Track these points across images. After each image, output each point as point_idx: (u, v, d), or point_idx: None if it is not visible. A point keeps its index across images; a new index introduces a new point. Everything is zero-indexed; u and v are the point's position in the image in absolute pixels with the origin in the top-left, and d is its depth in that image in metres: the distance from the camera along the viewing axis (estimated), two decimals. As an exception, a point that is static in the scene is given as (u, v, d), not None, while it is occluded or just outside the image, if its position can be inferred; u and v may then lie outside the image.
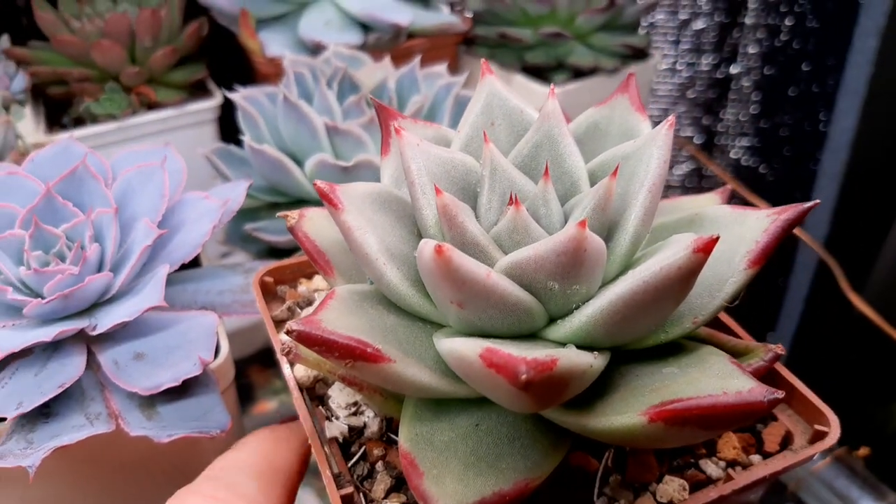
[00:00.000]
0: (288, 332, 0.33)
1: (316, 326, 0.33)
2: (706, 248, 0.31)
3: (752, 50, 1.20)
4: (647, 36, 0.94)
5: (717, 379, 0.33)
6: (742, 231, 0.39)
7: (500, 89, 0.43)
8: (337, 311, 0.36)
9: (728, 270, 0.37)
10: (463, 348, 0.31)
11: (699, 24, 1.19)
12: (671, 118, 0.38)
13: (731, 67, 1.22)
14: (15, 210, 0.52)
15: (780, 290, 1.28)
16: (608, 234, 0.37)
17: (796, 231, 1.02)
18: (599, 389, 0.36)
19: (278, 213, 0.44)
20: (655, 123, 0.40)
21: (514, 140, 0.43)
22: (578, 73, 0.89)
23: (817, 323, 1.23)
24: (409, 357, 0.35)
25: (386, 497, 0.39)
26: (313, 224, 0.44)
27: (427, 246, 0.32)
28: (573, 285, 0.34)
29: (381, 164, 0.44)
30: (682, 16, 1.17)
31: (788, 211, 0.38)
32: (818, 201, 0.39)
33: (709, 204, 0.47)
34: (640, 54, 0.93)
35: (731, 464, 0.41)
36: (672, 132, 0.38)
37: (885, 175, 1.22)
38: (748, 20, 1.18)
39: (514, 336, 0.36)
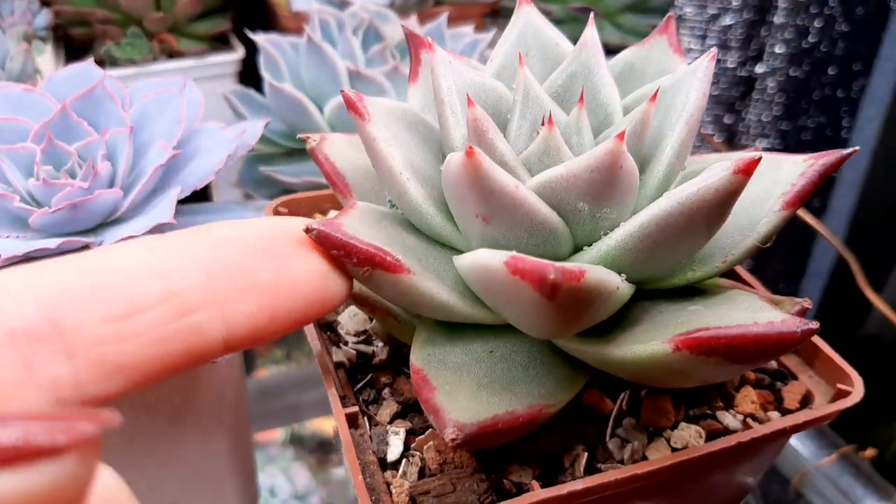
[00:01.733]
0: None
1: (336, 228, 0.32)
2: (747, 170, 0.30)
3: (778, 50, 1.19)
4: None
5: (747, 312, 0.32)
6: (778, 175, 0.38)
7: (536, 20, 0.42)
8: (358, 221, 0.35)
9: (762, 211, 0.36)
10: (486, 256, 0.30)
11: (727, 20, 1.17)
12: (713, 50, 0.37)
13: (756, 66, 1.21)
14: (28, 125, 0.51)
15: (792, 295, 1.26)
16: (641, 166, 0.36)
17: (814, 224, 1.00)
18: (620, 322, 0.35)
19: (299, 135, 0.43)
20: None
21: (547, 72, 0.41)
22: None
23: (834, 321, 1.21)
24: (428, 272, 0.34)
25: (391, 422, 0.37)
26: (334, 146, 0.43)
27: (455, 155, 0.31)
28: (603, 208, 0.33)
29: (408, 91, 0.43)
30: (711, 10, 1.16)
31: (827, 156, 0.37)
32: (857, 148, 0.38)
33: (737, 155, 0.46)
34: (668, 38, 0.92)
35: (749, 418, 0.39)
36: (713, 65, 0.36)
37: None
38: (777, 19, 1.17)
39: (537, 260, 0.35)
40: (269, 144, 0.66)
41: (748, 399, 0.40)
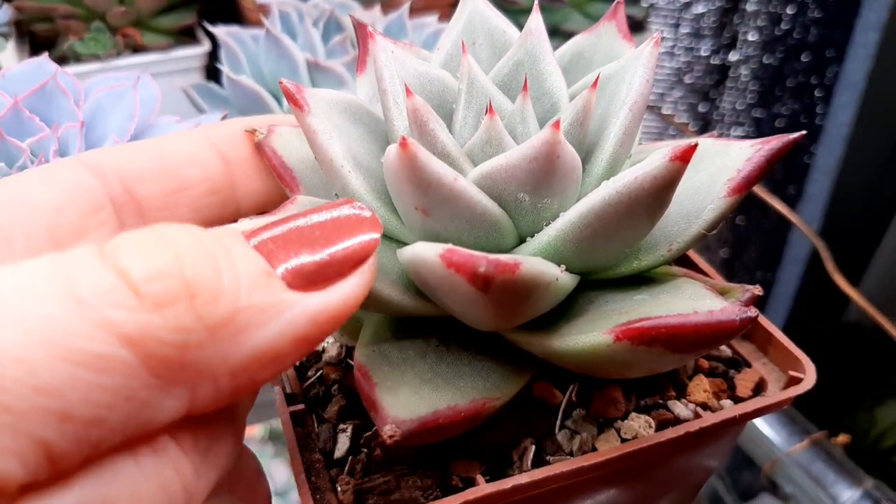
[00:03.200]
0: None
1: (271, 224, 0.32)
2: (684, 157, 0.30)
3: (751, 37, 1.19)
4: (646, 9, 0.93)
5: (690, 301, 0.32)
6: (724, 161, 0.37)
7: (482, 8, 0.42)
8: (295, 216, 0.34)
9: (707, 198, 0.36)
10: (423, 250, 0.30)
11: (700, 8, 1.17)
12: (657, 35, 0.36)
13: (730, 54, 1.21)
14: (-21, 122, 0.50)
15: (769, 283, 1.27)
16: (585, 155, 0.36)
17: (788, 215, 1.01)
18: (565, 313, 0.34)
19: (244, 128, 0.42)
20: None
21: (494, 60, 0.41)
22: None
23: (811, 309, 1.22)
24: (369, 267, 0.33)
25: (339, 419, 0.37)
26: (282, 140, 0.42)
27: (393, 146, 0.31)
28: (544, 198, 0.33)
29: (356, 81, 0.42)
30: (684, -2, 1.16)
31: (772, 141, 0.37)
32: (804, 132, 0.37)
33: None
34: (637, 26, 0.91)
35: (701, 407, 0.39)
36: (657, 51, 0.36)
37: (881, 172, 1.21)
38: (749, 7, 1.17)
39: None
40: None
41: (700, 388, 0.40)
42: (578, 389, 0.38)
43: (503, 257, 0.28)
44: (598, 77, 0.34)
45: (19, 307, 0.19)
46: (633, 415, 0.38)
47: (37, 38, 0.87)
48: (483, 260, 0.27)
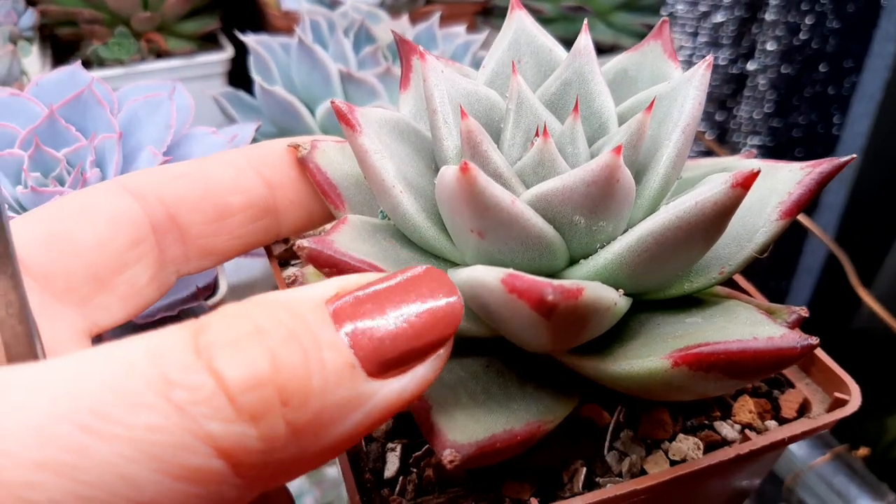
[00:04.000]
0: (298, 250, 0.31)
1: (328, 246, 0.32)
2: (745, 183, 0.30)
3: (770, 47, 1.19)
4: (666, 18, 0.93)
5: (746, 326, 0.32)
6: (774, 183, 0.37)
7: (529, 26, 0.42)
8: (350, 236, 0.34)
9: (758, 221, 0.36)
10: (483, 274, 0.30)
11: (718, 18, 1.17)
12: (709, 58, 0.36)
13: (747, 64, 1.21)
14: (16, 131, 0.51)
15: (783, 292, 1.26)
16: (636, 176, 0.36)
17: (807, 223, 1.00)
18: (618, 336, 0.34)
19: (288, 143, 0.42)
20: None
21: (541, 79, 0.41)
22: (597, 50, 0.87)
23: (825, 317, 1.21)
24: (422, 287, 0.33)
25: (387, 439, 0.37)
26: (325, 156, 0.42)
27: (449, 170, 0.31)
28: (599, 221, 0.33)
29: (399, 100, 0.42)
30: (702, 7, 1.16)
31: (823, 164, 0.37)
32: (854, 156, 0.37)
33: (733, 161, 0.46)
34: (660, 36, 0.91)
35: (747, 427, 0.39)
36: (709, 73, 0.36)
37: (896, 182, 1.21)
38: (768, 16, 1.17)
39: (532, 273, 0.34)
40: (259, 147, 0.65)
41: (745, 408, 0.40)
42: (626, 410, 0.38)
43: (566, 283, 0.28)
44: (653, 100, 0.34)
45: (123, 417, 0.19)
46: (681, 436, 0.37)
47: (60, 41, 0.87)
48: (549, 287, 0.27)
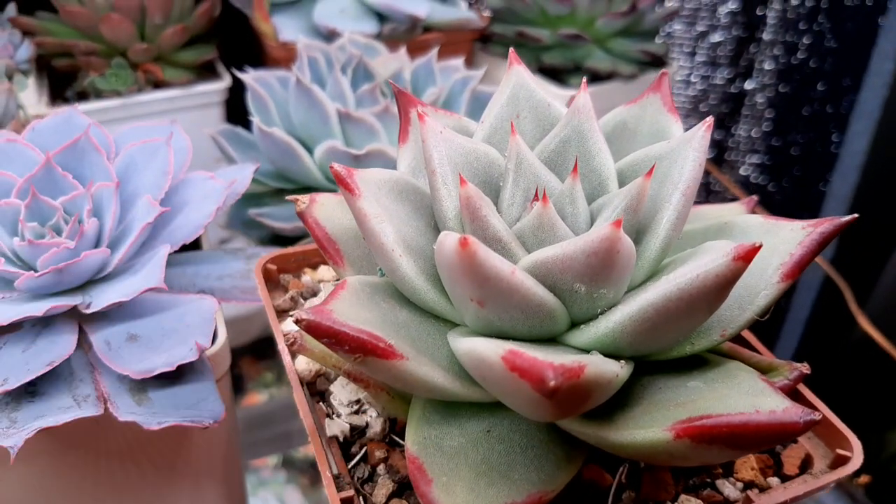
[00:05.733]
0: (297, 322, 0.31)
1: (327, 317, 0.31)
2: (747, 257, 0.30)
3: (767, 66, 1.19)
4: (665, 44, 0.93)
5: (748, 396, 0.32)
6: (775, 242, 0.37)
7: (527, 81, 0.41)
8: (348, 303, 0.34)
9: (760, 283, 0.36)
10: (483, 349, 0.29)
11: (716, 37, 1.17)
12: (709, 120, 0.36)
13: (745, 83, 1.20)
14: (12, 179, 0.50)
15: (782, 310, 1.26)
16: (636, 237, 0.35)
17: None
18: (620, 400, 0.34)
19: (287, 197, 0.42)
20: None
21: (539, 134, 0.41)
22: (595, 78, 0.87)
23: (820, 343, 1.21)
24: (421, 355, 0.33)
25: (387, 502, 0.37)
26: (324, 210, 0.42)
27: (449, 238, 0.31)
28: (600, 289, 0.32)
29: (398, 152, 0.42)
30: (700, 27, 1.16)
31: (824, 224, 0.37)
32: (856, 215, 0.37)
33: (734, 214, 0.46)
34: (658, 62, 0.91)
35: (749, 485, 0.39)
36: (709, 135, 0.36)
37: (895, 200, 1.21)
38: (766, 36, 1.17)
39: (532, 339, 0.34)
40: (257, 184, 0.65)
41: (748, 465, 0.40)
42: (627, 471, 0.38)
43: (567, 362, 0.28)
44: (653, 166, 0.34)
45: None
46: (683, 497, 0.37)
47: (56, 73, 0.87)
48: (549, 370, 0.27)
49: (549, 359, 0.28)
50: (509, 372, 0.28)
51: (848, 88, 1.18)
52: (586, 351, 0.33)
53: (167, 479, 0.54)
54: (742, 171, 1.27)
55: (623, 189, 0.35)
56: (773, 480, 0.39)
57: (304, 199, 0.41)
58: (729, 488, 0.38)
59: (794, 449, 0.41)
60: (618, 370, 0.31)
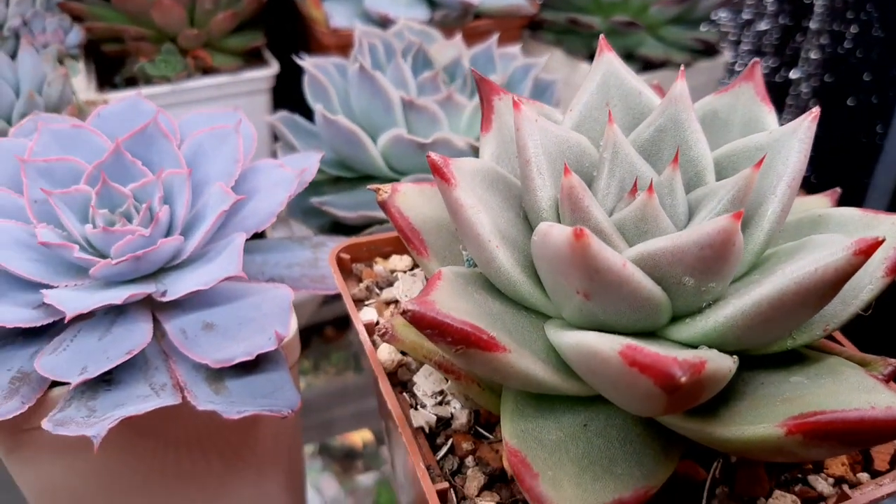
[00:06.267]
0: (403, 313, 0.31)
1: (430, 308, 0.31)
2: (868, 251, 0.29)
3: (813, 56, 1.17)
4: (717, 32, 0.91)
5: (860, 392, 0.31)
6: (876, 235, 0.36)
7: (618, 68, 0.41)
8: (447, 293, 0.33)
9: (864, 277, 0.35)
10: (596, 343, 0.29)
11: (762, 26, 1.15)
12: (816, 110, 0.35)
13: (791, 72, 1.19)
14: (81, 165, 0.50)
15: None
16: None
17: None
18: (722, 396, 0.33)
19: (368, 186, 0.42)
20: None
21: (630, 123, 0.40)
22: (647, 66, 0.86)
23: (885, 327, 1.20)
24: (522, 348, 0.33)
25: (478, 494, 0.36)
26: (406, 199, 0.41)
27: (556, 230, 0.30)
28: (709, 282, 0.32)
29: (480, 141, 0.41)
30: (746, 15, 1.14)
31: (929, 217, 0.36)
32: (963, 209, 0.36)
33: (819, 205, 0.45)
34: (710, 50, 0.90)
35: (839, 481, 0.38)
36: (815, 126, 0.35)
37: (939, 192, 1.19)
38: (812, 25, 1.15)
39: (633, 333, 0.34)
40: (318, 172, 0.65)
41: (838, 461, 0.39)
42: (721, 466, 0.37)
43: (690, 357, 0.27)
44: (763, 157, 0.33)
45: None
46: (778, 493, 0.37)
47: (105, 58, 0.86)
48: (675, 365, 0.26)
49: (671, 354, 0.27)
50: (627, 367, 0.28)
51: (894, 79, 1.16)
52: (691, 346, 0.33)
53: (232, 467, 0.53)
54: (784, 162, 1.25)
55: (728, 180, 0.34)
56: (864, 476, 0.39)
57: (385, 189, 0.41)
58: (822, 484, 0.38)
59: (885, 444, 0.40)
60: (731, 365, 0.30)
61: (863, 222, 0.37)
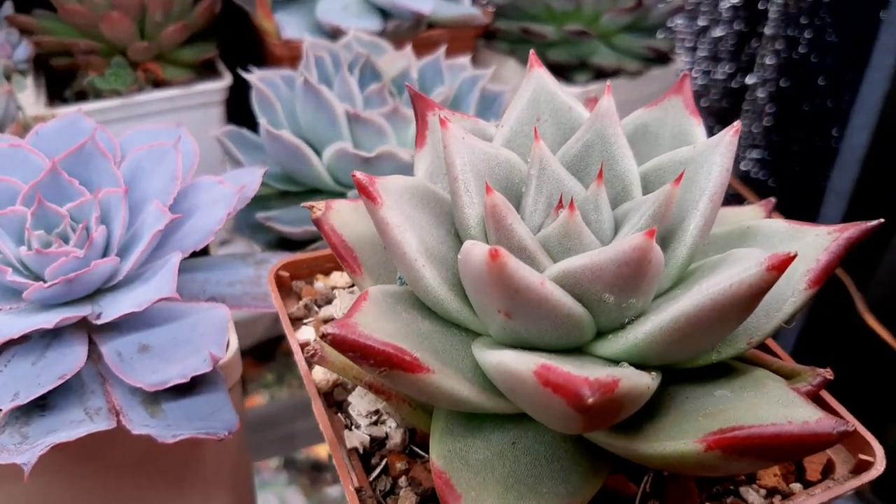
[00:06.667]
0: (322, 337, 0.30)
1: (352, 331, 0.31)
2: (780, 267, 0.29)
3: (769, 61, 1.18)
4: (670, 40, 0.92)
5: (779, 406, 0.31)
6: (801, 248, 0.36)
7: (548, 84, 0.41)
8: (372, 315, 0.33)
9: (787, 290, 0.35)
10: (513, 363, 0.29)
11: (718, 32, 1.16)
12: (736, 124, 0.36)
13: (746, 78, 1.20)
14: (17, 185, 0.49)
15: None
16: (663, 243, 0.35)
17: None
18: (647, 410, 0.33)
19: (303, 204, 0.42)
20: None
21: (560, 139, 0.40)
22: (600, 74, 0.87)
23: (820, 336, 1.21)
24: (447, 368, 0.33)
25: (410, 515, 0.36)
26: (340, 217, 0.41)
27: (477, 249, 0.30)
28: (629, 298, 0.32)
29: (414, 157, 0.41)
30: (702, 22, 1.15)
31: (850, 229, 0.36)
32: (882, 220, 0.37)
33: (753, 216, 0.45)
34: (663, 58, 0.91)
35: (772, 492, 0.39)
36: (736, 139, 0.35)
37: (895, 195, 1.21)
38: (767, 30, 1.16)
39: (558, 349, 0.34)
40: (263, 186, 0.64)
41: (770, 472, 0.39)
42: (652, 480, 0.37)
43: (602, 376, 0.27)
44: (682, 173, 0.33)
45: None
46: (708, 505, 0.37)
47: (54, 73, 0.85)
48: (585, 386, 0.27)
49: (583, 373, 0.27)
50: (542, 387, 0.28)
51: (849, 83, 1.18)
52: (614, 361, 0.33)
53: (177, 489, 0.53)
54: (742, 167, 1.27)
55: (650, 195, 0.34)
56: (796, 486, 0.39)
57: (319, 206, 0.41)
58: (753, 495, 0.38)
59: (816, 454, 0.40)
60: (649, 382, 0.30)
61: (788, 234, 0.38)
